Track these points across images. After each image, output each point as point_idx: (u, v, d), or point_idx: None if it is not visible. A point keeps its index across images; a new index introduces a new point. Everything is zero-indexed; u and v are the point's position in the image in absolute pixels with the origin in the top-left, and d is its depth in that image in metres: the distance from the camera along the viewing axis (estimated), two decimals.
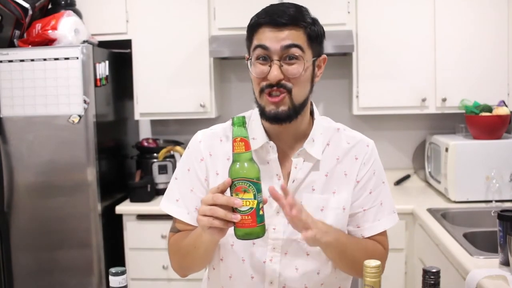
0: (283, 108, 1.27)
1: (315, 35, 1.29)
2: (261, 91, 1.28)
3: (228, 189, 1.13)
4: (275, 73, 1.24)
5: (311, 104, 1.40)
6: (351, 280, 1.50)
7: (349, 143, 1.40)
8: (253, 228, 1.10)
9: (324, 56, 1.35)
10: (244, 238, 1.12)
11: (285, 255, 1.34)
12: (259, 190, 1.11)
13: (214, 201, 1.11)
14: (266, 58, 1.26)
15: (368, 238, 1.40)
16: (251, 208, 1.09)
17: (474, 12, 2.92)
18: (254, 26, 1.28)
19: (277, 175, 1.34)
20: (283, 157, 1.35)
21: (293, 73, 1.25)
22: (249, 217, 1.09)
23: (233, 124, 1.12)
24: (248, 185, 1.09)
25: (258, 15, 1.29)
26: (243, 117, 1.13)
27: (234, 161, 1.12)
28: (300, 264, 1.35)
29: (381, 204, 1.40)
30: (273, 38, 1.24)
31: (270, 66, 1.25)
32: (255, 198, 1.10)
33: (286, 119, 1.28)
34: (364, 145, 1.40)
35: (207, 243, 1.26)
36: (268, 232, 1.30)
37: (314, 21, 1.30)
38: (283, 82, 1.25)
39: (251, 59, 1.30)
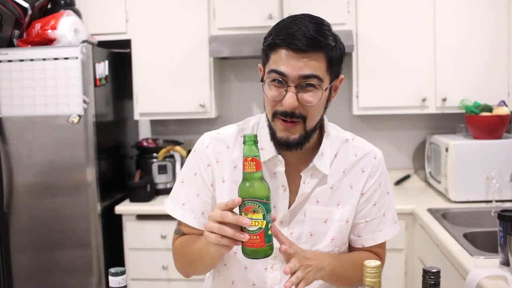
0: (294, 137, 1.25)
1: (336, 57, 1.25)
2: (274, 114, 1.25)
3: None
4: (290, 101, 1.19)
5: None
6: None
7: (356, 155, 1.38)
8: (261, 247, 1.10)
9: (342, 76, 1.31)
10: (252, 256, 1.11)
11: (285, 263, 1.34)
12: (268, 210, 1.09)
13: (222, 218, 1.10)
14: (281, 82, 1.21)
15: (367, 248, 1.41)
16: (260, 228, 1.08)
17: (474, 12, 2.92)
18: (272, 46, 1.22)
19: (282, 186, 1.33)
20: (290, 169, 1.34)
21: (308, 102, 1.21)
22: (258, 237, 1.09)
23: (244, 142, 1.10)
24: (257, 205, 1.08)
25: (276, 33, 1.22)
26: (255, 136, 1.10)
27: (244, 180, 1.11)
28: None
29: (384, 215, 1.40)
30: (291, 65, 1.18)
31: (286, 91, 1.20)
32: (264, 219, 1.09)
33: (296, 147, 1.27)
34: (371, 157, 1.39)
35: (212, 254, 1.26)
36: None
37: (336, 41, 1.24)
38: (297, 111, 1.21)
39: (265, 80, 1.24)
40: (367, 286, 1.12)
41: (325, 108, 1.30)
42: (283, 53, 1.19)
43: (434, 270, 1.12)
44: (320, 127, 1.36)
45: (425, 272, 1.13)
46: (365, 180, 1.36)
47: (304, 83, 1.20)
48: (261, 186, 1.10)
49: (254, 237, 1.09)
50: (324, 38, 1.20)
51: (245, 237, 1.09)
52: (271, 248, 1.11)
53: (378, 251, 1.42)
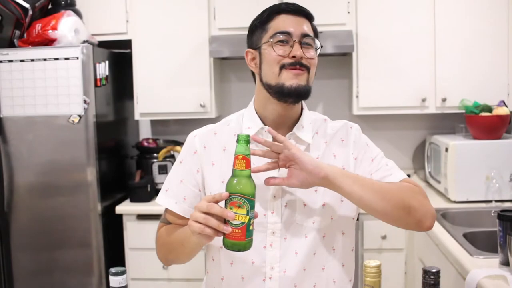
0: (302, 83, 1.34)
1: (316, 30, 1.42)
2: (282, 67, 1.34)
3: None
4: (299, 51, 1.33)
5: None
6: (353, 272, 1.50)
7: (333, 129, 1.47)
8: (241, 241, 1.15)
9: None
10: (232, 249, 1.16)
11: (284, 240, 1.36)
12: (252, 207, 1.15)
13: (208, 209, 1.14)
14: (284, 42, 1.34)
15: None
16: (243, 222, 1.13)
17: (473, 12, 2.92)
18: (272, 14, 1.37)
19: (271, 160, 1.36)
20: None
21: (310, 55, 1.35)
22: (239, 231, 1.14)
23: (237, 141, 1.15)
24: (243, 201, 1.13)
25: (270, 7, 1.39)
26: (248, 136, 1.16)
27: (233, 176, 1.16)
28: (299, 247, 1.37)
29: (387, 165, 1.43)
30: (293, 25, 1.35)
31: (292, 46, 1.33)
32: (247, 214, 1.14)
33: (304, 95, 1.36)
34: (347, 127, 1.47)
35: (193, 244, 1.30)
36: (266, 217, 1.35)
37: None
38: (304, 61, 1.34)
39: (266, 42, 1.36)
40: (367, 286, 1.12)
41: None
42: (283, 17, 1.36)
43: (434, 270, 1.12)
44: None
45: (425, 272, 1.13)
46: (348, 148, 1.43)
47: (304, 41, 1.35)
48: (248, 184, 1.15)
49: (236, 230, 1.14)
50: (308, 10, 1.41)
51: (228, 229, 1.14)
52: (251, 242, 1.17)
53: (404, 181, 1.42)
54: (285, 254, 1.37)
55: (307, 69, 1.34)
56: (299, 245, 1.37)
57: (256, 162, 1.29)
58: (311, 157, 1.28)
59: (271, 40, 1.35)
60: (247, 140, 1.15)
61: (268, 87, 1.37)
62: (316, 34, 1.41)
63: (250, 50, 1.43)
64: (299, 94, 1.34)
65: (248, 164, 1.15)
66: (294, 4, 1.38)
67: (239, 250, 1.16)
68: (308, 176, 1.25)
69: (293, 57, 1.32)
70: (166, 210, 1.47)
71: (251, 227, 1.15)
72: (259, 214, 1.21)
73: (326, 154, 1.42)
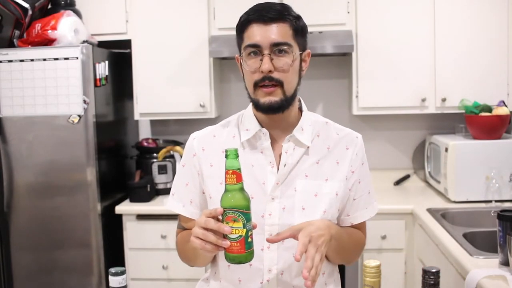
0: (275, 99, 1.33)
1: (300, 28, 1.36)
2: (255, 85, 1.35)
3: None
4: (266, 65, 1.30)
5: (299, 101, 1.47)
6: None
7: (338, 134, 1.46)
8: (241, 254, 1.16)
9: (308, 50, 1.41)
10: (233, 262, 1.18)
11: (282, 243, 1.36)
12: (248, 219, 1.15)
13: (206, 225, 1.16)
14: (256, 53, 1.33)
15: (355, 225, 1.48)
16: (240, 236, 1.15)
17: (473, 12, 2.92)
18: (244, 24, 1.36)
19: (270, 162, 1.39)
20: (275, 146, 1.41)
21: (283, 65, 1.32)
22: (238, 244, 1.15)
23: (226, 156, 1.16)
24: (238, 215, 1.14)
25: (245, 13, 1.37)
26: (236, 150, 1.17)
27: (226, 191, 1.17)
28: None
29: (369, 192, 1.48)
30: (262, 34, 1.31)
31: (262, 59, 1.31)
32: (244, 227, 1.15)
33: (279, 109, 1.35)
34: (353, 136, 1.47)
35: (203, 255, 1.33)
36: (264, 219, 1.36)
37: (298, 17, 1.38)
38: (274, 75, 1.31)
39: (242, 56, 1.37)
40: (367, 286, 1.12)
41: (299, 78, 1.39)
42: (254, 27, 1.33)
43: (433, 270, 1.12)
44: (299, 110, 1.46)
45: (425, 272, 1.13)
46: (350, 158, 1.43)
47: (276, 50, 1.31)
48: (241, 197, 1.16)
49: (235, 244, 1.15)
50: (288, 11, 1.36)
51: (226, 243, 1.15)
52: (251, 254, 1.18)
53: (362, 226, 1.51)
54: (282, 257, 1.36)
55: (280, 83, 1.32)
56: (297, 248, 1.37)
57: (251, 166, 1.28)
58: (322, 221, 1.31)
59: (243, 55, 1.35)
60: (236, 154, 1.16)
61: (250, 98, 1.40)
62: (302, 32, 1.37)
63: (239, 56, 1.42)
64: (273, 110, 1.35)
65: (239, 177, 1.16)
66: (268, 10, 1.33)
67: (240, 263, 1.17)
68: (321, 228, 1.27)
69: (262, 71, 1.31)
70: (180, 215, 1.50)
71: (249, 239, 1.16)
72: (256, 215, 1.22)
73: (328, 161, 1.41)
